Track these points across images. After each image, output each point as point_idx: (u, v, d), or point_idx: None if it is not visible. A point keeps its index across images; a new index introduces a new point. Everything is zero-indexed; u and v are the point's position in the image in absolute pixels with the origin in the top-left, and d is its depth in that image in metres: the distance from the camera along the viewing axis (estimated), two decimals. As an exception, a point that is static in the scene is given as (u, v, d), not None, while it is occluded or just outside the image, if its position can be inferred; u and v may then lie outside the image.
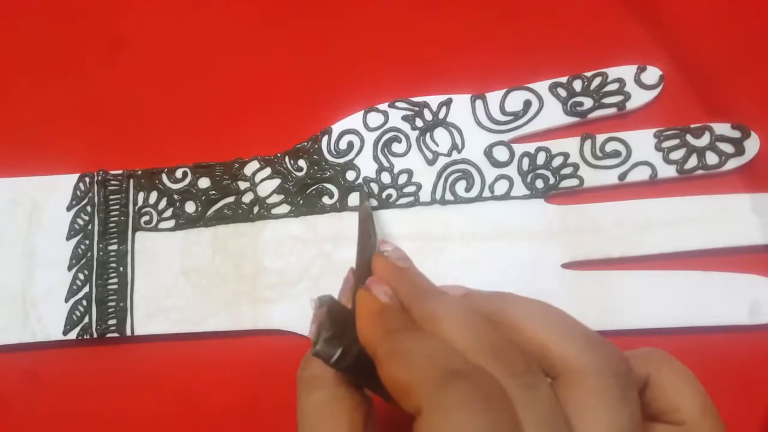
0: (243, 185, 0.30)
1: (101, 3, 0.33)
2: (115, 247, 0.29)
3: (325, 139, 0.30)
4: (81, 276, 0.29)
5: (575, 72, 0.30)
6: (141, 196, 0.30)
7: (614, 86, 0.30)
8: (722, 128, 0.29)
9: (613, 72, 0.30)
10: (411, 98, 0.30)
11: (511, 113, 0.30)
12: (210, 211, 0.29)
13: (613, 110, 0.30)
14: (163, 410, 0.28)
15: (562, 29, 0.31)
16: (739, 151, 0.29)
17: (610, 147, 0.29)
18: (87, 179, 0.30)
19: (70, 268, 0.29)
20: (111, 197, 0.30)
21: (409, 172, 0.29)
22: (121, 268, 0.29)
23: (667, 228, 0.28)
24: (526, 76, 0.30)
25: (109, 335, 0.28)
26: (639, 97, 0.30)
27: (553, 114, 0.30)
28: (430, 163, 0.29)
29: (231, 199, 0.29)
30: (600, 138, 0.29)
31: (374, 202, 0.29)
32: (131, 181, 0.30)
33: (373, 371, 0.18)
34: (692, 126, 0.29)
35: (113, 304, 0.28)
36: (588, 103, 0.30)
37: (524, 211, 0.29)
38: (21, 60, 0.32)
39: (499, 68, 0.30)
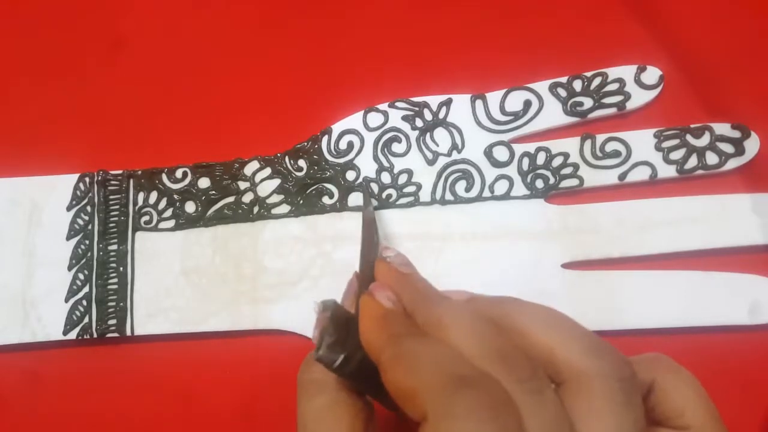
0: (243, 185, 0.30)
1: (101, 3, 0.33)
2: (115, 247, 0.29)
3: (325, 139, 0.30)
4: (81, 276, 0.29)
5: (575, 72, 0.30)
6: (141, 196, 0.30)
7: (614, 86, 0.30)
8: (722, 128, 0.29)
9: (613, 72, 0.30)
10: (411, 98, 0.30)
11: (511, 113, 0.30)
12: (210, 211, 0.29)
13: (613, 110, 0.30)
14: (163, 410, 0.28)
15: (562, 29, 0.31)
16: (739, 151, 0.29)
17: (610, 147, 0.29)
18: (87, 179, 0.30)
19: (70, 268, 0.29)
20: (111, 197, 0.30)
21: (409, 172, 0.29)
22: (121, 268, 0.29)
23: (667, 228, 0.28)
24: (526, 76, 0.30)
25: (109, 335, 0.28)
26: (639, 97, 0.30)
27: (553, 114, 0.30)
28: (430, 163, 0.29)
29: (231, 199, 0.29)
30: (600, 138, 0.29)
31: (374, 203, 0.29)
32: (131, 181, 0.30)
33: (376, 378, 0.18)
34: (692, 126, 0.29)
35: (113, 304, 0.28)
36: (588, 103, 0.30)
37: (524, 211, 0.29)
38: (21, 60, 0.32)
39: (499, 68, 0.30)
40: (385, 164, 0.29)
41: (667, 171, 0.29)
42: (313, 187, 0.29)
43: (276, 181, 0.30)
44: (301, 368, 0.21)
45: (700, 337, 0.27)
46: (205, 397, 0.28)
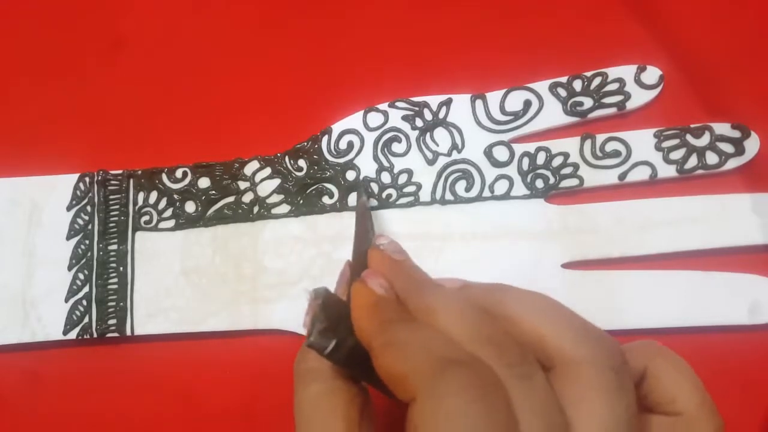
0: (243, 185, 0.30)
1: (101, 3, 0.33)
2: (115, 247, 0.29)
3: (325, 139, 0.30)
4: (81, 276, 0.29)
5: (575, 72, 0.30)
6: (141, 196, 0.30)
7: (614, 86, 0.30)
8: (722, 128, 0.29)
9: (613, 72, 0.30)
10: (411, 98, 0.30)
11: (511, 113, 0.30)
12: (210, 211, 0.29)
13: (613, 110, 0.30)
14: (163, 410, 0.28)
15: (562, 29, 0.31)
16: (739, 151, 0.29)
17: (610, 147, 0.29)
18: (87, 179, 0.30)
19: (70, 268, 0.29)
20: (111, 197, 0.30)
21: (409, 172, 0.29)
22: (121, 268, 0.29)
23: (667, 228, 0.28)
24: (526, 76, 0.30)
25: (109, 335, 0.28)
26: (639, 97, 0.30)
27: (553, 114, 0.30)
28: (430, 162, 0.29)
29: (231, 199, 0.30)
30: (600, 138, 0.29)
31: (374, 202, 0.29)
32: (131, 181, 0.30)
33: (369, 364, 0.18)
34: (692, 126, 0.29)
35: (113, 304, 0.28)
36: (588, 103, 0.30)
37: (524, 211, 0.29)
38: (21, 60, 0.32)
39: (499, 68, 0.30)
40: (385, 164, 0.29)
41: (667, 171, 0.29)
42: (313, 187, 0.30)
43: (276, 181, 0.30)
44: (297, 358, 0.21)
45: (699, 337, 0.27)
46: (205, 397, 0.28)
